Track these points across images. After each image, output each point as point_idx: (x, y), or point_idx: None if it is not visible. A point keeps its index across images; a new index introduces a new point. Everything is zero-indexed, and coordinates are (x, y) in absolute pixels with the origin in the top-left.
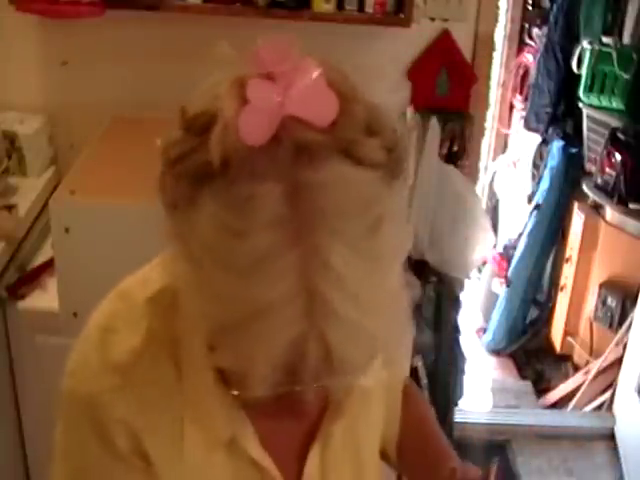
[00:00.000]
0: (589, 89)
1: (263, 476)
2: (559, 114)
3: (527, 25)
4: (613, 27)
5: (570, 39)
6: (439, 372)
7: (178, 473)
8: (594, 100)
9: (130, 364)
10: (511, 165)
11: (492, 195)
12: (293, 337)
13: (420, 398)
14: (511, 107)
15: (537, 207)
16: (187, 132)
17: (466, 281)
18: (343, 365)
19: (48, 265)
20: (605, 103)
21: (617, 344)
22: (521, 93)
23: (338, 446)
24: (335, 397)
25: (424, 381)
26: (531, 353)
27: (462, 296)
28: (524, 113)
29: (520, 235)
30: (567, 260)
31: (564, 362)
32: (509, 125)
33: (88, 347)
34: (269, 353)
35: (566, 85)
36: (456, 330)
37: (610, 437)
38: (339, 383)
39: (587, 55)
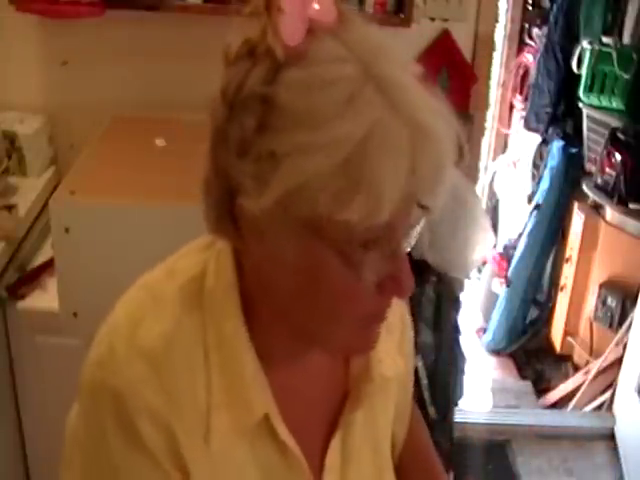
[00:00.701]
0: (589, 89)
1: (289, 462)
2: (559, 114)
3: (527, 25)
4: (613, 27)
5: (570, 39)
6: (439, 372)
7: (205, 466)
8: (594, 100)
9: (159, 351)
10: (511, 165)
11: (492, 195)
12: (400, 144)
13: (417, 412)
14: (511, 107)
15: (537, 207)
16: (237, 63)
17: (466, 281)
18: (445, 173)
19: (48, 265)
20: (605, 103)
21: (617, 344)
22: (521, 93)
23: (358, 436)
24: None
25: (424, 381)
26: (531, 353)
27: (462, 296)
28: (524, 113)
29: (520, 235)
30: (567, 260)
31: (564, 362)
32: (509, 125)
33: (115, 338)
34: (387, 162)
35: (566, 85)
36: (456, 330)
37: (610, 437)
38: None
39: (587, 55)
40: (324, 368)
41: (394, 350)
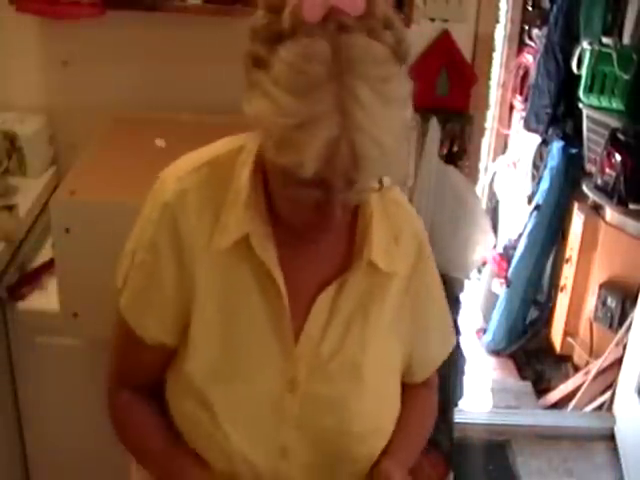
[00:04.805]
0: (589, 89)
1: (274, 294)
2: (559, 115)
3: (527, 26)
4: (613, 27)
5: (570, 40)
6: (439, 372)
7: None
8: (594, 100)
9: (191, 176)
10: (511, 166)
11: (492, 196)
12: (330, 138)
13: (432, 398)
14: (511, 107)
15: (537, 207)
16: (267, 11)
17: (466, 281)
18: (364, 169)
19: (48, 265)
20: (605, 103)
21: (617, 344)
22: (521, 94)
23: (349, 301)
24: (358, 200)
25: None
26: (531, 353)
27: (462, 296)
28: (524, 114)
29: (520, 235)
30: (567, 260)
31: (564, 362)
32: (509, 125)
33: (167, 173)
34: (315, 145)
35: (566, 86)
36: (456, 330)
37: (610, 437)
38: (359, 190)
39: (587, 56)
40: (331, 242)
41: (399, 257)
